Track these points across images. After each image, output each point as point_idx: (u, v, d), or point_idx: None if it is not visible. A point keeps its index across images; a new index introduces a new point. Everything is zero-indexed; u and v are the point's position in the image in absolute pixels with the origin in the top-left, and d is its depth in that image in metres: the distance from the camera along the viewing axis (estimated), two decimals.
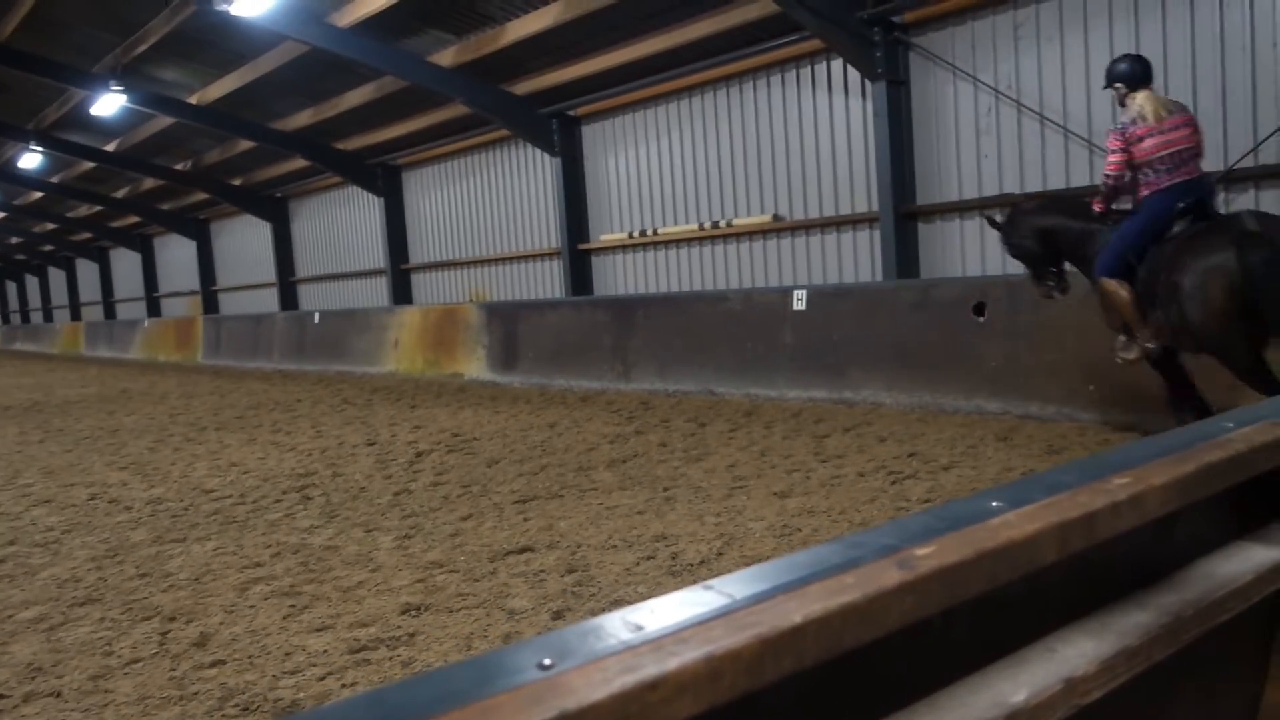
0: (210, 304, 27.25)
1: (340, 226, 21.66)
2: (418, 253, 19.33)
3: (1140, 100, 5.96)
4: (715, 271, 13.24)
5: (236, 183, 22.80)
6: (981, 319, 8.67)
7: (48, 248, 37.30)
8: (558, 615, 4.27)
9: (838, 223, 11.62)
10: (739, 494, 6.26)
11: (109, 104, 17.33)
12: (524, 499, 6.51)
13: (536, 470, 7.48)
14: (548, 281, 16.13)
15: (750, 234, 12.66)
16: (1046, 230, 6.64)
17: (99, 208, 28.23)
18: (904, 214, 10.74)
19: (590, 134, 14.67)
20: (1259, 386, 5.47)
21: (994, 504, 0.93)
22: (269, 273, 23.96)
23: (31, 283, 45.07)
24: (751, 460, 7.30)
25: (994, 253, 10.13)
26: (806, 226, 11.95)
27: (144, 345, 28.40)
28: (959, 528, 0.87)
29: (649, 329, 12.05)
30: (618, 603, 4.40)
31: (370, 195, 19.70)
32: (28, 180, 25.63)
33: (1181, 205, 5.84)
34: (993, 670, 0.89)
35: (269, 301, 24.15)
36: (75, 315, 38.35)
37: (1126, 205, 6.15)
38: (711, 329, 11.26)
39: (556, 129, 14.62)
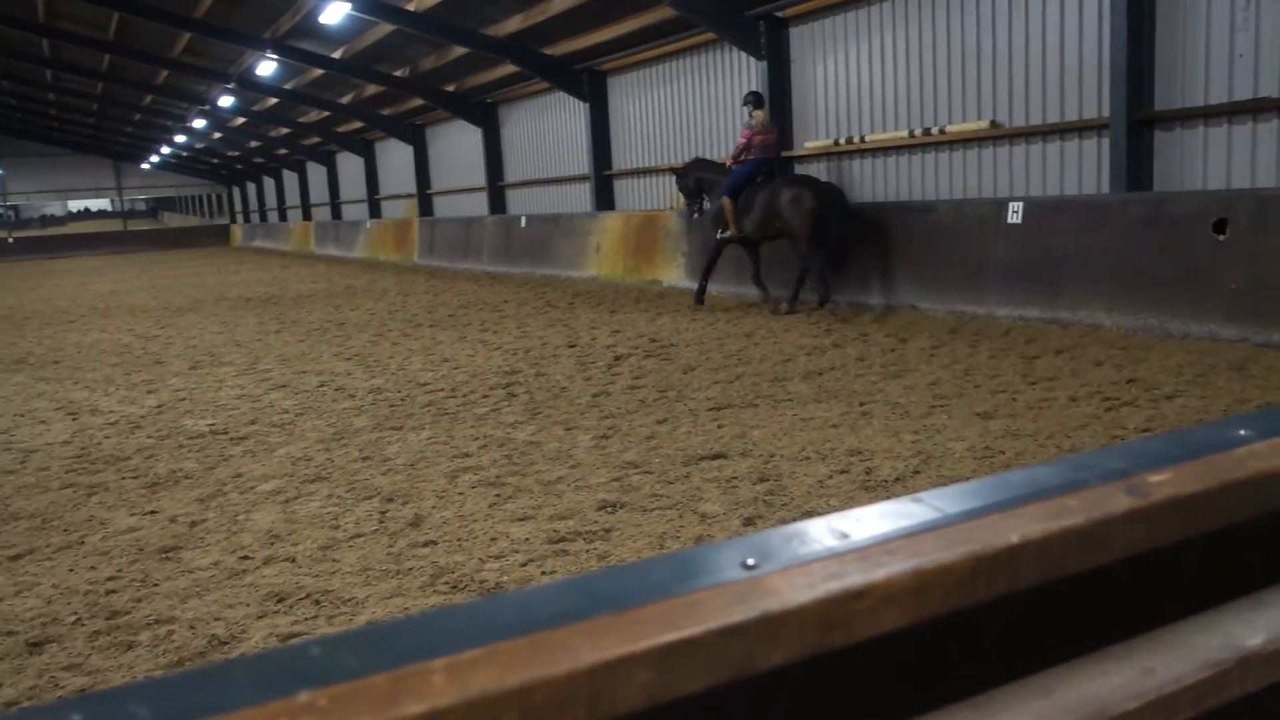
0: (425, 207, 28.52)
1: (547, 132, 22.06)
2: (621, 158, 19.46)
3: (759, 116, 11.57)
4: (924, 181, 12.68)
5: (450, 89, 23.53)
6: (1222, 237, 7.94)
7: (281, 151, 39.91)
8: (749, 522, 4.32)
9: (1061, 129, 10.83)
10: (939, 412, 6.07)
11: (335, 12, 18.14)
12: (718, 406, 6.56)
13: (732, 379, 7.51)
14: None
15: (964, 141, 12.00)
16: (699, 177, 12.06)
17: (326, 113, 29.84)
18: (1138, 120, 9.88)
19: (798, 36, 14.19)
20: (807, 267, 10.90)
21: (1241, 432, 0.85)
22: (479, 177, 24.77)
23: (268, 184, 48.53)
24: (954, 379, 7.05)
25: (1241, 165, 9.21)
26: (1026, 134, 11.20)
27: (366, 245, 30.16)
28: (1200, 455, 0.80)
29: (851, 240, 11.72)
30: (809, 514, 4.40)
31: (576, 101, 19.90)
32: (264, 87, 27.35)
33: (760, 172, 11.36)
34: (1226, 610, 0.83)
35: (479, 205, 25.03)
36: (306, 215, 41.10)
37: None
38: (918, 241, 10.84)
39: (764, 31, 14.22)
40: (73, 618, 3.68)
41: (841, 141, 13.55)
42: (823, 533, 0.65)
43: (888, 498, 3.98)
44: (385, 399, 7.57)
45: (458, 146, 26.25)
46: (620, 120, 19.28)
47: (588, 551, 4.06)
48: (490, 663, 0.51)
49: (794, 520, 4.21)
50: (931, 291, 10.50)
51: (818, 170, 14.26)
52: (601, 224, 17.33)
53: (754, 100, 11.55)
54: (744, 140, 11.42)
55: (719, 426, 6.01)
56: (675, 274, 14.75)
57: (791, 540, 0.64)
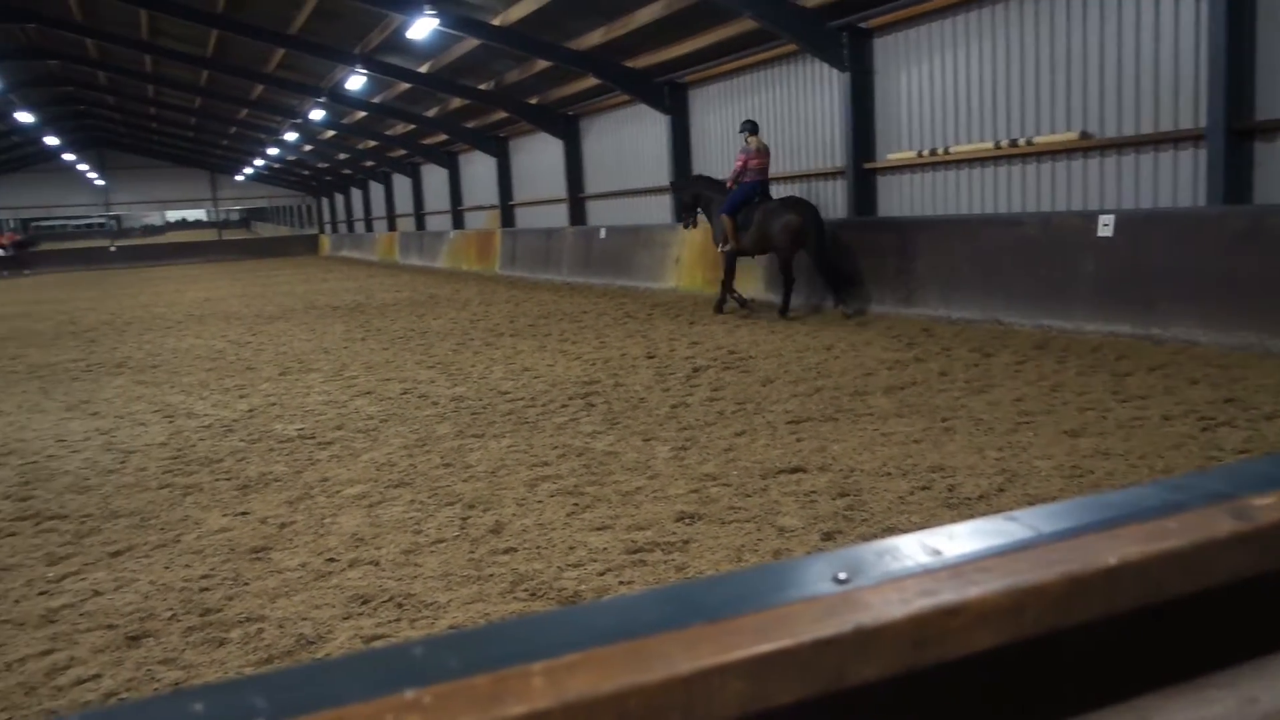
0: (507, 218, 28.92)
1: (627, 144, 22.20)
2: (701, 170, 19.49)
3: (754, 141, 12.64)
4: (1010, 193, 12.43)
5: (533, 102, 23.85)
6: None
7: (369, 163, 40.88)
8: (828, 537, 4.27)
9: (1155, 140, 10.52)
10: (1025, 429, 5.94)
11: (423, 27, 18.55)
12: (797, 419, 6.52)
13: (811, 392, 7.45)
14: (829, 201, 15.80)
15: (1053, 153, 11.74)
16: (696, 193, 13.39)
17: (412, 126, 30.50)
18: (1238, 130, 9.54)
19: (882, 47, 14.06)
20: (789, 276, 12.28)
21: None
22: (560, 188, 25.04)
23: (355, 195, 49.72)
24: (1040, 395, 6.89)
25: None
26: (1118, 145, 10.90)
27: (449, 255, 30.69)
28: None
29: (934, 253, 11.55)
30: (890, 530, 4.34)
31: (657, 113, 20.00)
32: (353, 101, 28.08)
33: (757, 192, 12.61)
34: None
35: (559, 217, 25.29)
36: (391, 226, 42.02)
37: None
38: (1003, 255, 10.63)
39: (846, 43, 14.12)
40: (168, 613, 3.81)
41: (925, 153, 13.37)
42: (915, 549, 0.65)
43: (971, 516, 3.90)
44: (467, 407, 7.68)
45: (539, 158, 26.58)
46: (701, 132, 19.31)
47: (665, 563, 4.07)
48: (588, 667, 0.52)
49: (875, 537, 4.16)
50: (1017, 306, 10.29)
51: (903, 182, 14.09)
52: (681, 236, 17.35)
53: (750, 128, 12.85)
54: (740, 164, 12.73)
55: (798, 440, 5.97)
56: (754, 286, 14.69)
57: (884, 555, 0.64)
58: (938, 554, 0.64)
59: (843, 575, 0.61)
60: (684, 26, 16.61)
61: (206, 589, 4.05)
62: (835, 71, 14.80)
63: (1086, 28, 11.12)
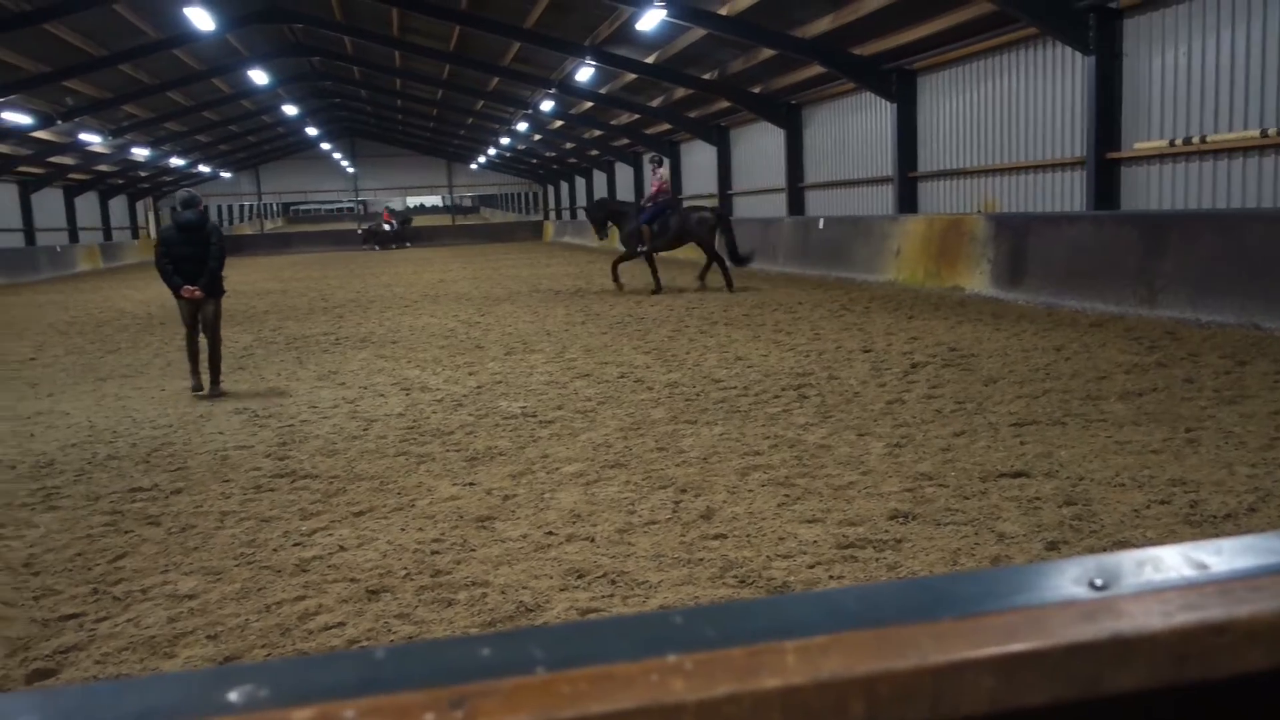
0: (726, 207, 29.05)
1: (850, 133, 21.78)
2: (927, 160, 18.86)
3: (663, 171, 17.38)
4: (1277, 186, 11.32)
5: (756, 91, 23.80)
6: None
7: (593, 152, 42.05)
8: (1052, 546, 4.07)
9: None
10: None
11: (652, 19, 18.88)
12: (1022, 422, 6.23)
13: (1038, 394, 7.09)
14: (1065, 193, 14.92)
15: None
16: (609, 212, 17.41)
17: (636, 116, 31.13)
18: None
19: (1133, 28, 13.11)
20: (712, 260, 16.94)
21: None
22: (779, 178, 24.88)
23: (579, 183, 51.31)
24: None
25: None
26: None
27: None
28: None
29: (1184, 250, 10.70)
30: (1122, 543, 4.09)
31: (882, 101, 19.51)
32: (581, 91, 28.96)
33: (666, 208, 16.72)
34: None
35: (778, 206, 25.15)
36: None
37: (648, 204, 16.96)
38: (1265, 254, 9.71)
39: (1093, 24, 13.26)
40: (403, 572, 4.10)
41: (1179, 142, 12.39)
42: (1178, 561, 0.63)
43: (1216, 535, 3.62)
44: (681, 393, 7.81)
45: (760, 147, 26.50)
46: (928, 120, 18.69)
47: (877, 560, 4.00)
48: (839, 649, 0.53)
49: (1105, 550, 3.93)
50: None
51: (1150, 173, 13.13)
52: (903, 227, 16.88)
53: (658, 160, 17.77)
54: (655, 188, 17.03)
55: (1021, 443, 5.71)
56: (979, 281, 14.11)
57: (1144, 565, 0.62)
58: (1203, 568, 0.62)
59: (1099, 581, 0.60)
60: (915, 11, 16.11)
61: (437, 552, 4.33)
62: (1078, 55, 13.96)
63: None
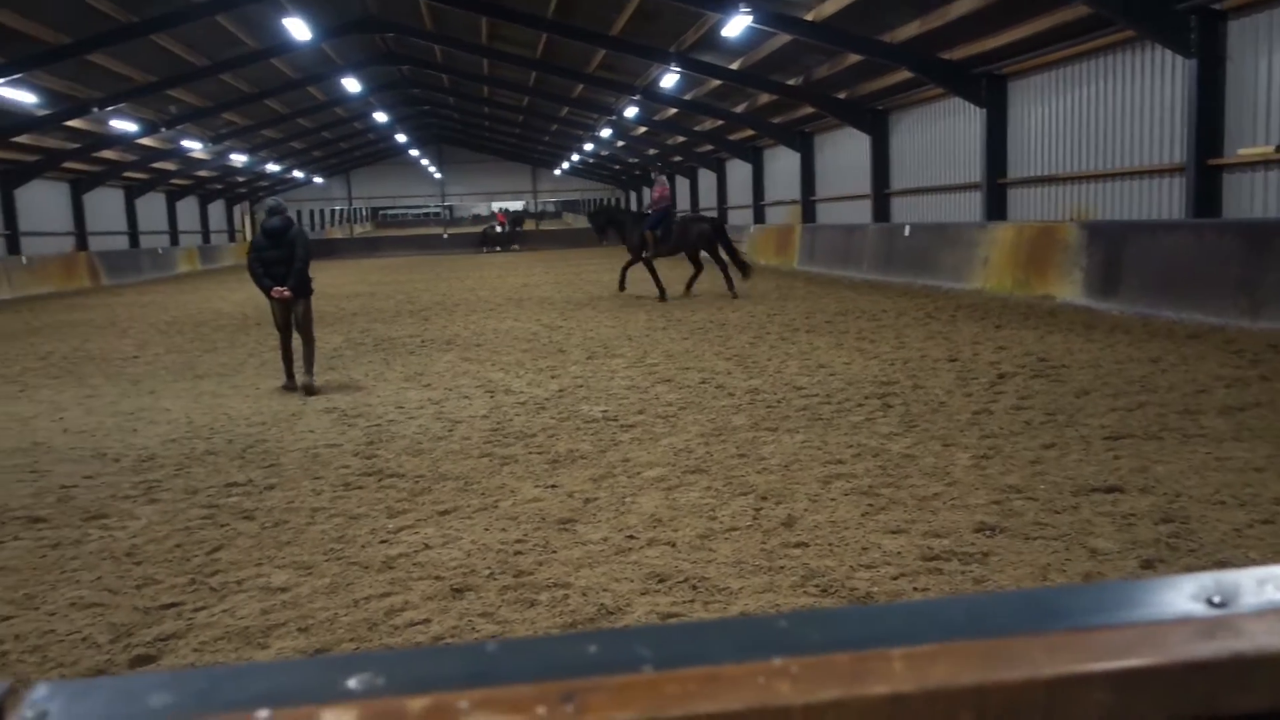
0: (808, 213, 28.81)
1: (937, 139, 21.43)
2: (1017, 166, 18.45)
3: (663, 180, 18.27)
4: None
5: (841, 96, 23.58)
6: None
7: (676, 158, 42.13)
8: (1147, 564, 3.94)
9: None
10: None
11: (737, 25, 18.84)
12: (1115, 435, 6.04)
13: (1132, 407, 6.88)
14: (1162, 201, 14.45)
15: None
16: (610, 219, 18.70)
17: (720, 121, 31.10)
18: None
19: (1238, 30, 12.64)
20: (697, 268, 18.17)
21: None
22: (864, 184, 24.60)
23: None
24: None
25: None
26: None
27: (749, 249, 30.98)
28: None
29: None
30: (1222, 564, 3.94)
31: (971, 107, 19.14)
32: (665, 98, 29.05)
33: (668, 214, 17.55)
34: None
35: (862, 213, 24.85)
36: None
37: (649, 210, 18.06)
38: None
39: (1195, 26, 12.82)
40: (487, 571, 4.16)
41: None
42: None
43: None
44: (762, 400, 7.76)
45: (844, 153, 26.24)
46: (1019, 126, 18.28)
47: (963, 573, 3.92)
48: (947, 658, 0.53)
49: (1204, 569, 3.79)
50: None
51: (1255, 180, 12.64)
52: (991, 234, 16.53)
53: (659, 174, 18.88)
54: (658, 195, 17.87)
55: (1115, 457, 5.54)
56: (1071, 290, 13.74)
57: (1266, 584, 0.60)
58: None
59: (1217, 599, 0.58)
60: (1006, 15, 15.79)
61: (520, 553, 4.37)
62: (1178, 59, 13.51)
63: None
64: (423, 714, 0.49)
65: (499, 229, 51.79)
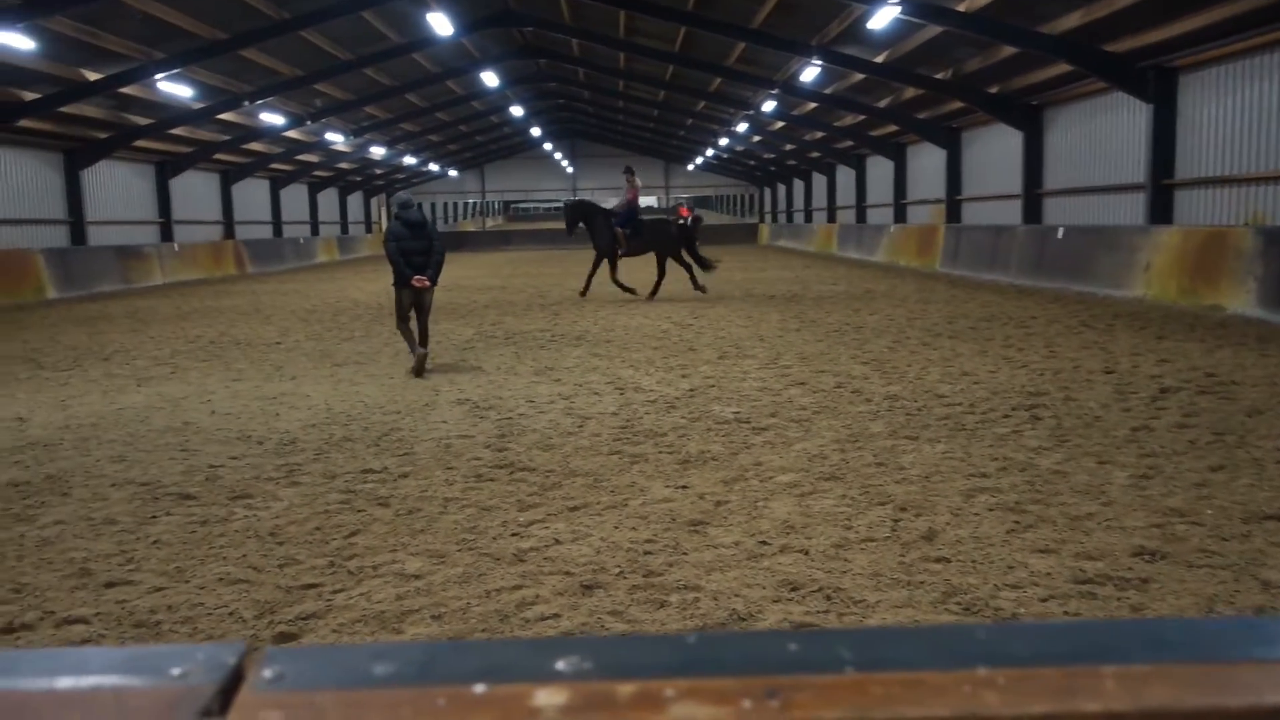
0: (953, 213, 28.08)
1: (1097, 136, 20.58)
2: (1185, 166, 17.56)
3: (636, 179, 19.11)
4: None
5: (992, 91, 22.90)
6: None
7: (813, 154, 41.68)
8: None
9: None
10: None
11: (884, 16, 18.52)
12: None
13: None
14: None
15: None
16: (581, 214, 18.65)
17: (861, 117, 30.62)
18: None
19: None
20: (662, 273, 18.86)
21: None
22: (1014, 184, 23.84)
23: (797, 186, 50.98)
24: None
25: None
26: None
27: (887, 249, 30.46)
28: None
29: None
30: None
31: (1136, 102, 18.32)
32: (805, 92, 28.77)
33: (637, 213, 18.85)
34: None
35: (1011, 213, 24.08)
36: (831, 217, 42.55)
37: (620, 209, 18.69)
38: None
39: None
40: (616, 570, 4.22)
41: None
42: None
43: None
44: (901, 407, 7.62)
45: (994, 151, 25.49)
46: (1190, 123, 17.40)
47: (1119, 599, 3.77)
48: (1162, 680, 0.52)
49: None
50: None
51: None
52: (1154, 239, 15.78)
53: (631, 171, 19.36)
54: (631, 196, 18.71)
55: None
56: (1243, 300, 13.01)
57: None
58: None
59: None
60: (1178, 4, 15.05)
61: (650, 553, 4.42)
62: None
63: None
64: (632, 699, 0.51)
65: (681, 222, 51.60)
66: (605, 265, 18.59)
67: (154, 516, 5.19)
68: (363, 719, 0.50)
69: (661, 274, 18.70)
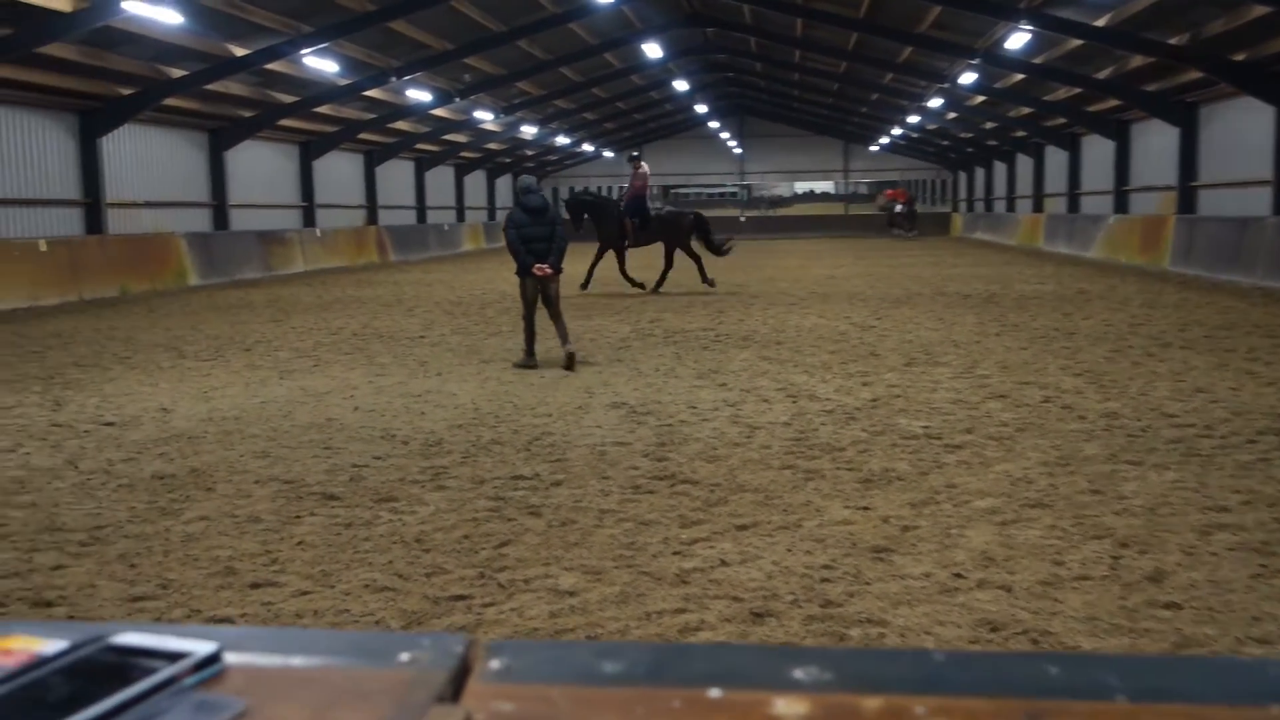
0: (1186, 202, 26.72)
1: None
2: None
3: (644, 166, 20.53)
4: None
5: (1239, 58, 21.67)
6: None
7: (1019, 133, 40.33)
8: None
9: None
10: None
11: None
12: None
13: None
14: None
15: None
16: (589, 206, 20.59)
17: (1077, 90, 29.46)
18: None
19: None
20: (669, 264, 20.01)
21: None
22: (1265, 168, 22.49)
23: (998, 170, 49.44)
24: None
25: None
26: None
27: (1104, 243, 29.22)
28: None
29: None
30: None
31: None
32: (1011, 62, 27.87)
33: (645, 202, 20.15)
34: None
35: (1260, 203, 22.73)
36: (1037, 206, 41.09)
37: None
38: None
39: None
40: (790, 597, 4.22)
41: None
42: None
43: None
44: (1121, 426, 7.33)
45: (1240, 129, 24.12)
46: None
47: None
48: None
49: None
50: None
51: None
52: None
53: (636, 158, 20.50)
54: (640, 184, 19.67)
55: None
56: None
57: None
58: None
59: None
60: None
61: (827, 580, 4.40)
62: None
63: None
64: (878, 714, 0.53)
65: (898, 208, 51.06)
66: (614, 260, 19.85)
67: (298, 516, 5.50)
68: (596, 716, 0.54)
69: (669, 265, 19.73)
